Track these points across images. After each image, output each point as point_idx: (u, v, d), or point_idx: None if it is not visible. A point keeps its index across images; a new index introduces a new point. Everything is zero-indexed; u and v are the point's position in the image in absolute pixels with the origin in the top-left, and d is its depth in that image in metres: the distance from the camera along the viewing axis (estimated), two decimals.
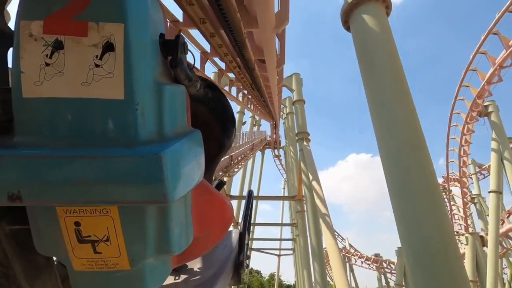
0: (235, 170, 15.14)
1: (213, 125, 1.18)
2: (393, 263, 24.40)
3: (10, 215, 0.90)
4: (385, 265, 25.12)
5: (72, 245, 0.76)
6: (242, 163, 16.57)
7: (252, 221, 1.76)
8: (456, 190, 33.98)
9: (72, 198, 0.67)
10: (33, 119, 0.68)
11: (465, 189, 23.31)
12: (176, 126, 0.80)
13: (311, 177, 12.35)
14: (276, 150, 33.85)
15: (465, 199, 23.50)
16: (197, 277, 1.44)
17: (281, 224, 30.15)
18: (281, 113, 25.73)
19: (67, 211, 0.73)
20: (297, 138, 14.68)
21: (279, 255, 36.53)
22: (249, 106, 15.89)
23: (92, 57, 0.66)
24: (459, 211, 26.20)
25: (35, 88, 0.66)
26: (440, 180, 37.06)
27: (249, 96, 12.79)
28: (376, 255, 26.48)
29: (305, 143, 13.68)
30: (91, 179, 0.65)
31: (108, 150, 0.66)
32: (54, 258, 1.07)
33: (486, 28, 13.59)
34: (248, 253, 1.76)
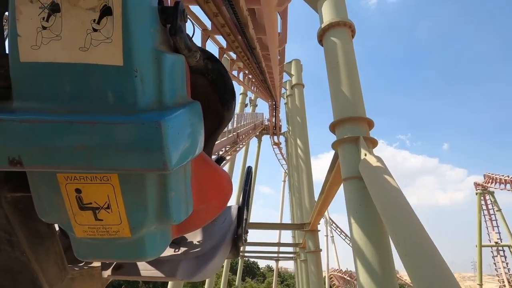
0: None
1: (213, 97, 1.11)
2: None
3: (12, 182, 0.90)
4: None
5: (73, 211, 0.76)
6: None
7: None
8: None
9: (72, 164, 0.65)
10: (32, 83, 0.67)
11: None
12: (176, 96, 0.78)
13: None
14: (275, 137, 28.79)
15: None
16: (196, 250, 1.42)
17: (281, 244, 23.80)
18: (282, 90, 21.27)
19: (68, 178, 0.72)
20: (345, 136, 4.21)
21: (277, 259, 31.72)
22: (241, 79, 12.05)
23: (90, 21, 0.64)
24: None
25: (33, 52, 0.65)
26: (481, 180, 28.11)
27: (240, 64, 10.04)
28: None
29: (364, 154, 3.77)
30: (91, 145, 0.64)
31: (108, 116, 0.65)
32: (57, 228, 1.12)
33: None
34: (246, 229, 1.76)
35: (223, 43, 7.92)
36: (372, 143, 4.35)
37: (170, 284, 10.54)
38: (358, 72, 4.91)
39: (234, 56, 9.17)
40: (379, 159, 3.79)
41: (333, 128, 4.75)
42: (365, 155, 3.89)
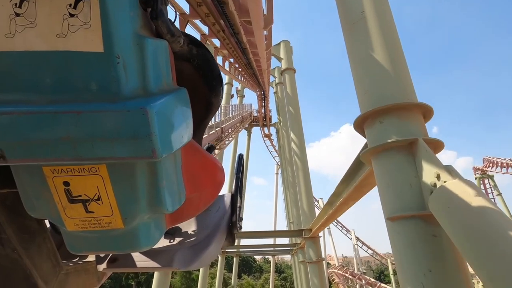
0: None
1: (200, 83, 1.08)
2: None
3: None
4: None
5: (63, 205, 0.73)
6: None
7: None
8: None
9: (58, 156, 0.62)
10: (9, 74, 0.63)
11: None
12: (161, 82, 0.75)
13: None
14: (266, 128, 27.22)
15: None
16: (192, 239, 1.39)
17: (277, 245, 22.14)
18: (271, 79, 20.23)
19: (55, 170, 0.69)
20: (389, 139, 2.22)
21: (273, 255, 30.33)
22: (221, 64, 10.12)
23: (66, 6, 0.60)
24: None
25: (7, 41, 0.61)
26: (480, 164, 27.19)
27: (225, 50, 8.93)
28: None
29: (436, 174, 2.00)
30: (77, 136, 0.61)
31: (92, 105, 0.62)
32: (48, 225, 1.09)
33: None
34: (240, 216, 1.73)
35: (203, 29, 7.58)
36: (435, 148, 2.25)
37: (155, 279, 8.61)
38: (397, 28, 2.73)
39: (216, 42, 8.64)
40: (473, 187, 1.68)
41: (360, 125, 2.64)
42: (438, 177, 1.87)
